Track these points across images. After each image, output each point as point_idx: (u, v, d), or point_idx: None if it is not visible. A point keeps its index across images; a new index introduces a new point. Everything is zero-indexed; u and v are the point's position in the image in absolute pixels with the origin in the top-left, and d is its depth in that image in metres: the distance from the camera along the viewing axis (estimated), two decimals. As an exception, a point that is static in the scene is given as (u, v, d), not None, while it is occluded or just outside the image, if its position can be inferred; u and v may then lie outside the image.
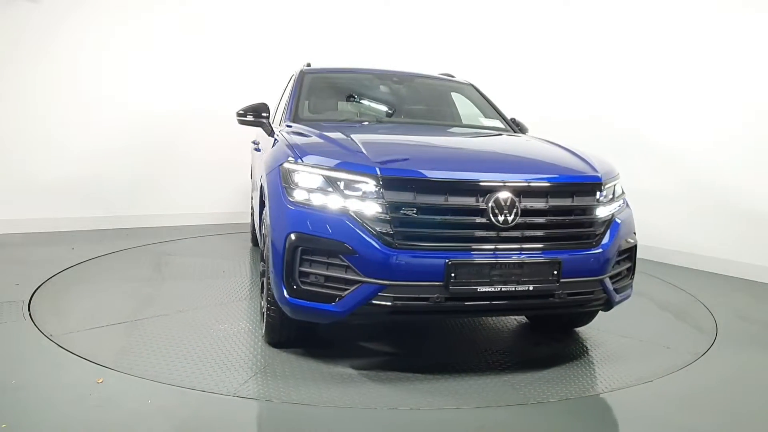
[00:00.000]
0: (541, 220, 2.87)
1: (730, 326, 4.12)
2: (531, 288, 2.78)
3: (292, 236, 2.75)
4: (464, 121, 4.51)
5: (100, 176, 6.56)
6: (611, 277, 3.05)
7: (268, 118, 3.82)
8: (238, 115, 3.87)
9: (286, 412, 2.60)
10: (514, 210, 2.78)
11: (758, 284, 5.39)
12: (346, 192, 2.75)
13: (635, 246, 3.29)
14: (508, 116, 4.47)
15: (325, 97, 4.51)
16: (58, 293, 4.14)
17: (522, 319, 4.00)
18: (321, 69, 4.72)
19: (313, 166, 2.86)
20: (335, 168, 2.81)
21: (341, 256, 2.68)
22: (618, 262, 3.11)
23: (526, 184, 2.85)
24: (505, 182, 2.81)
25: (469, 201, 2.77)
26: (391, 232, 2.68)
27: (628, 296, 3.28)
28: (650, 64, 6.24)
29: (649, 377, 3.11)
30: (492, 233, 2.78)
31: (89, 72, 6.46)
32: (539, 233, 2.86)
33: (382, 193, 2.70)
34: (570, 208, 2.95)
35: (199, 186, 7.09)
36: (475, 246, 2.77)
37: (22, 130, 6.14)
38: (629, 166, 6.38)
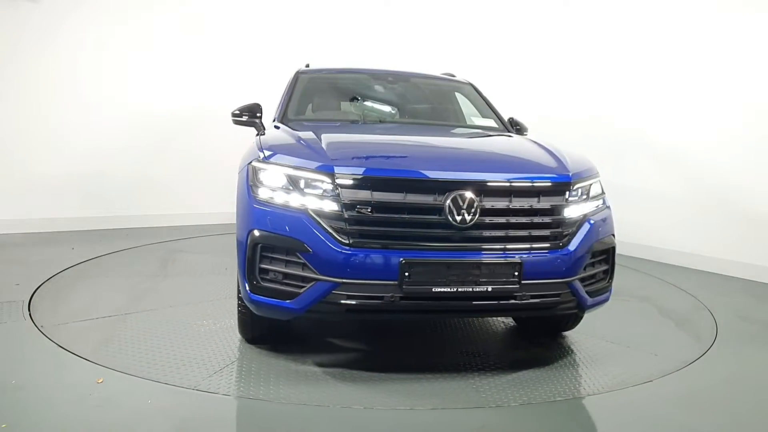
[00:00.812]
0: (502, 219, 2.80)
1: (730, 326, 4.12)
2: (490, 289, 2.72)
3: (254, 233, 2.79)
4: (457, 121, 4.48)
5: (100, 176, 6.57)
6: (583, 280, 2.96)
7: (260, 118, 3.86)
8: (233, 115, 3.92)
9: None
10: (473, 209, 2.72)
11: (758, 284, 5.39)
12: (306, 191, 2.78)
13: (613, 248, 3.16)
14: (508, 115, 4.44)
15: (318, 97, 4.52)
16: (58, 293, 4.14)
17: (509, 321, 3.96)
18: (316, 70, 4.73)
19: (275, 165, 2.89)
20: (295, 167, 2.84)
21: (298, 254, 2.71)
22: (592, 265, 3.03)
23: (486, 182, 2.80)
24: (464, 181, 2.76)
25: (427, 199, 2.73)
26: (346, 230, 2.69)
27: (606, 300, 3.17)
28: (651, 64, 6.23)
29: (625, 384, 3.02)
30: (449, 232, 2.73)
31: (89, 72, 6.46)
32: (500, 233, 2.79)
33: (338, 191, 2.72)
34: (535, 208, 2.87)
35: (199, 186, 7.09)
36: (431, 245, 2.72)
37: (22, 130, 6.14)
38: (629, 166, 6.40)
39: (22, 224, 6.12)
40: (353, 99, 4.53)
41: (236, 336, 3.43)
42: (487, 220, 2.77)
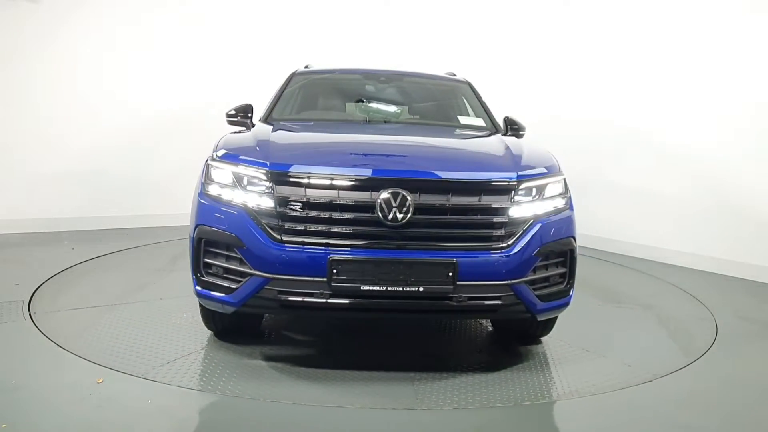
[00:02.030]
0: (437, 218, 2.76)
1: (730, 326, 4.12)
2: (421, 289, 2.68)
3: (199, 228, 2.90)
4: (444, 120, 4.43)
5: (100, 176, 6.56)
6: (533, 283, 2.88)
7: (251, 118, 3.90)
8: (228, 116, 3.97)
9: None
10: (405, 207, 2.69)
11: (758, 284, 5.39)
12: (248, 188, 2.84)
13: (571, 251, 3.05)
14: (506, 114, 4.33)
15: (309, 97, 4.55)
16: (58, 293, 4.14)
17: (486, 323, 3.86)
18: (312, 70, 4.77)
19: (224, 163, 2.97)
20: (237, 163, 2.92)
21: (235, 249, 2.77)
22: (545, 267, 2.95)
23: (422, 181, 2.77)
24: (398, 179, 2.74)
25: (360, 197, 2.73)
26: (279, 227, 2.73)
27: (564, 305, 3.08)
28: (652, 63, 6.23)
29: (579, 393, 2.91)
30: (381, 230, 2.71)
31: (89, 72, 6.45)
32: (434, 232, 2.76)
33: (273, 188, 2.77)
34: (475, 206, 2.81)
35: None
36: (361, 243, 2.71)
37: (22, 129, 6.13)
38: (630, 166, 6.41)
39: (22, 224, 6.11)
40: (350, 99, 4.55)
41: (206, 329, 3.45)
42: (422, 218, 2.73)
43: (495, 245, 2.79)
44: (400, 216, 2.69)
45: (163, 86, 6.89)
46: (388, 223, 2.70)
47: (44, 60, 6.18)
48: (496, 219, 2.83)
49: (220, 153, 3.06)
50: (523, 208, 2.89)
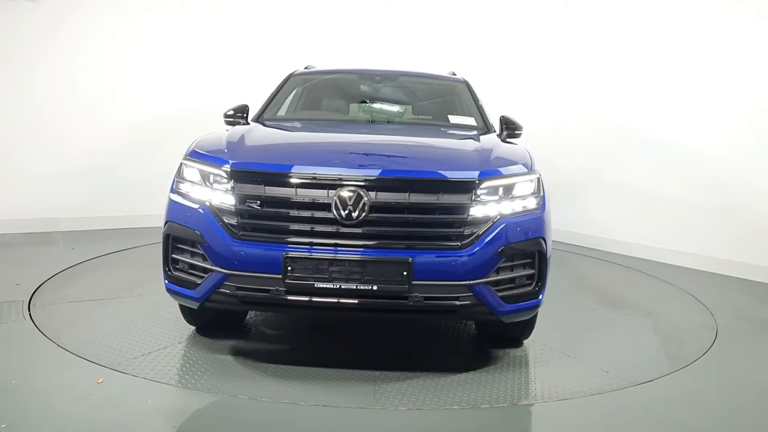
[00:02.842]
0: (393, 217, 2.75)
1: (730, 326, 4.12)
2: (375, 288, 2.68)
3: (168, 225, 2.99)
4: (433, 119, 4.42)
5: (100, 176, 6.56)
6: (496, 284, 2.83)
7: (246, 118, 3.98)
8: (226, 116, 4.03)
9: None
10: (360, 206, 2.69)
11: (758, 284, 5.39)
12: (212, 185, 2.90)
13: (540, 252, 2.96)
14: (502, 114, 4.30)
15: (304, 97, 4.60)
16: (58, 293, 4.14)
17: (470, 325, 3.79)
18: (309, 71, 4.83)
19: (193, 161, 3.03)
20: (203, 162, 2.98)
21: (199, 246, 2.84)
22: (510, 269, 2.89)
23: (379, 179, 2.75)
24: (354, 177, 2.74)
25: (317, 195, 2.75)
26: (238, 224, 2.78)
27: (533, 306, 2.99)
28: (652, 64, 6.23)
29: (549, 398, 2.86)
30: (336, 228, 2.73)
31: (89, 72, 6.45)
32: (390, 230, 2.74)
33: (233, 185, 2.82)
34: (433, 205, 2.78)
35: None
36: (316, 240, 2.73)
37: (22, 130, 6.13)
38: (631, 166, 6.41)
39: (22, 224, 6.11)
40: (341, 99, 4.61)
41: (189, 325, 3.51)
42: (378, 217, 2.73)
43: (453, 245, 2.76)
44: (355, 214, 2.70)
45: (163, 86, 6.89)
46: (344, 221, 2.71)
47: (44, 60, 6.18)
48: (455, 218, 2.79)
49: (191, 151, 3.12)
50: (486, 208, 2.84)
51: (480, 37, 7.65)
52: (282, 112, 4.36)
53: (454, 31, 7.85)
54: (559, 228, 6.91)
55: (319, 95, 4.67)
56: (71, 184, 6.39)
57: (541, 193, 3.08)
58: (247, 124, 3.85)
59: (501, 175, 2.94)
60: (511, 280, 2.90)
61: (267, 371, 3.00)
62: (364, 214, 2.70)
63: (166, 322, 3.61)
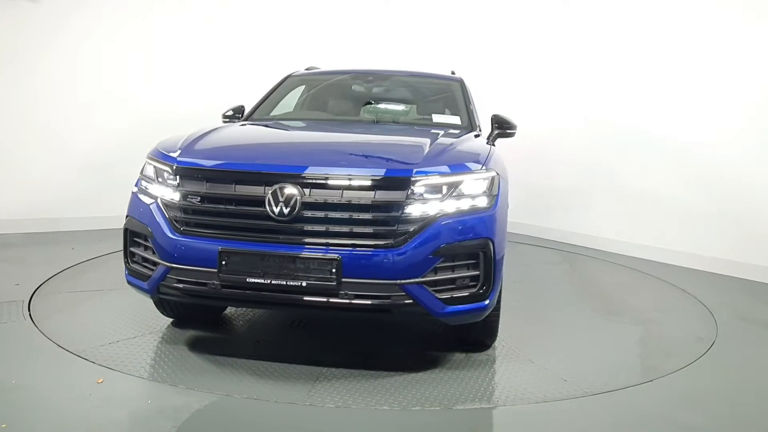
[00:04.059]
0: (324, 213, 2.75)
1: (730, 326, 4.12)
2: (304, 284, 2.69)
3: (127, 220, 3.13)
4: (417, 118, 4.41)
5: (100, 176, 6.55)
6: (433, 284, 2.77)
7: (240, 118, 4.16)
8: (224, 116, 4.20)
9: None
10: (292, 202, 2.72)
11: (758, 284, 5.39)
12: (163, 182, 3.01)
13: (486, 253, 2.86)
14: (494, 113, 4.25)
15: (302, 97, 4.65)
16: (58, 293, 4.14)
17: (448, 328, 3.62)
18: (307, 72, 4.90)
19: (152, 159, 3.15)
20: (158, 159, 3.09)
21: (149, 239, 2.95)
22: (451, 269, 2.82)
23: (311, 176, 2.77)
24: (287, 174, 2.78)
25: (253, 192, 2.80)
26: (180, 219, 2.87)
27: (479, 309, 2.89)
28: (652, 64, 6.23)
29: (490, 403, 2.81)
30: (269, 224, 2.76)
31: (89, 72, 6.45)
32: (321, 228, 2.75)
33: (178, 181, 2.92)
34: (366, 203, 2.75)
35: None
36: (249, 236, 2.78)
37: (22, 130, 6.13)
38: (630, 166, 6.40)
39: (22, 224, 6.11)
40: (332, 99, 4.68)
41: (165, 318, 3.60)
42: (310, 213, 2.75)
43: (385, 243, 2.72)
44: (287, 211, 2.73)
45: (163, 86, 6.89)
46: (275, 217, 2.74)
47: (44, 60, 6.17)
48: (388, 216, 2.76)
49: (152, 150, 3.22)
50: (426, 206, 2.79)
51: (480, 37, 7.64)
52: (276, 112, 4.42)
53: (454, 31, 7.85)
54: (560, 228, 6.98)
55: (314, 96, 4.74)
56: (71, 184, 6.39)
57: (495, 193, 3.00)
58: (243, 123, 3.94)
59: (442, 173, 2.87)
60: (452, 281, 2.83)
61: (217, 363, 3.07)
62: (296, 210, 2.73)
63: (149, 315, 3.65)
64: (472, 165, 2.98)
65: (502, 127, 4.04)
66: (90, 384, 2.75)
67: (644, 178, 6.29)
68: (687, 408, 2.85)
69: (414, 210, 2.77)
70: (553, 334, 3.80)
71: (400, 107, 4.60)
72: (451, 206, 2.84)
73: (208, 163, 2.93)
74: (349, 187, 2.76)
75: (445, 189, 2.85)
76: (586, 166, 6.83)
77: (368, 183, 2.76)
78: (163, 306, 3.46)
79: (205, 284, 2.79)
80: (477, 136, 3.83)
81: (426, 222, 2.76)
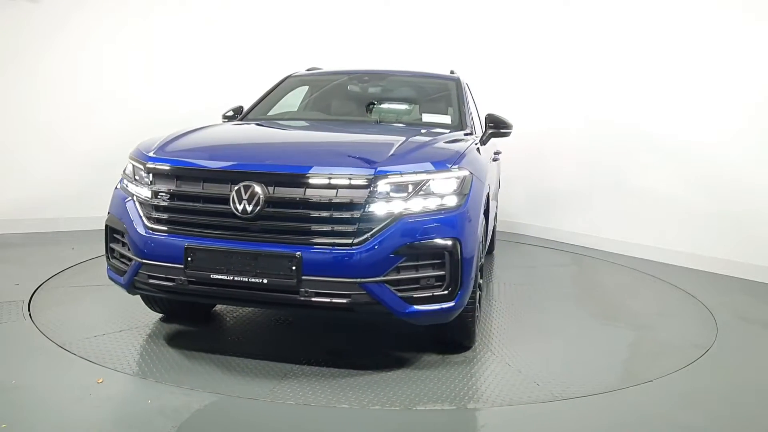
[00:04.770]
0: (287, 211, 2.78)
1: (730, 326, 4.12)
2: (265, 281, 2.72)
3: (108, 217, 3.19)
4: (407, 118, 4.44)
5: (100, 176, 6.53)
6: (395, 283, 2.74)
7: (238, 118, 4.24)
8: (224, 117, 4.29)
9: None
10: (255, 200, 2.75)
11: (758, 284, 5.39)
12: (139, 180, 3.09)
13: (452, 253, 2.81)
14: (493, 112, 4.24)
15: (293, 97, 4.70)
16: (58, 293, 4.14)
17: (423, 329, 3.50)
18: (306, 73, 4.96)
19: (131, 157, 3.23)
20: (136, 158, 3.16)
21: (124, 236, 3.03)
22: (416, 268, 2.79)
23: (274, 175, 2.80)
24: (252, 172, 2.81)
25: (219, 189, 2.85)
26: (151, 216, 2.95)
27: (447, 311, 2.86)
28: (653, 64, 6.23)
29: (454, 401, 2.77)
30: (233, 222, 2.80)
31: (89, 71, 6.45)
32: (283, 225, 2.77)
33: (151, 179, 3.00)
34: (328, 201, 2.76)
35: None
36: (214, 233, 2.83)
37: (22, 130, 6.13)
38: (631, 166, 6.40)
39: (22, 224, 6.11)
40: (326, 99, 4.74)
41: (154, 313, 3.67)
42: (273, 211, 2.77)
43: (346, 241, 2.72)
44: (249, 208, 2.76)
45: (163, 86, 6.89)
46: (239, 214, 2.77)
47: (44, 60, 6.18)
48: (349, 215, 2.75)
49: (133, 148, 3.29)
50: (389, 205, 2.77)
51: (480, 37, 7.64)
52: (274, 112, 4.46)
53: (454, 31, 7.84)
54: (561, 228, 6.98)
55: (313, 96, 4.80)
56: (71, 183, 6.39)
57: (465, 192, 2.96)
58: (235, 123, 4.03)
59: (406, 172, 2.84)
60: (416, 280, 2.80)
61: (190, 358, 3.11)
62: (258, 208, 2.75)
63: (135, 308, 3.69)
64: (440, 164, 2.95)
65: (497, 127, 4.05)
66: (90, 384, 2.75)
67: (643, 177, 6.29)
68: (687, 408, 2.85)
69: (377, 209, 2.77)
70: (539, 338, 3.69)
71: (396, 106, 4.62)
72: (417, 205, 2.82)
73: (178, 161, 3.00)
74: (311, 185, 2.78)
75: (410, 188, 2.83)
76: (584, 165, 6.83)
77: (329, 181, 2.77)
78: (150, 301, 3.52)
79: (173, 280, 2.84)
80: (469, 134, 3.84)
81: (389, 221, 2.75)
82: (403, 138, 3.25)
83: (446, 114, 4.33)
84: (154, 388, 2.76)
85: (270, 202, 2.77)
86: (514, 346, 3.52)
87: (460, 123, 4.14)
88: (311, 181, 2.78)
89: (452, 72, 5.05)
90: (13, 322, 3.53)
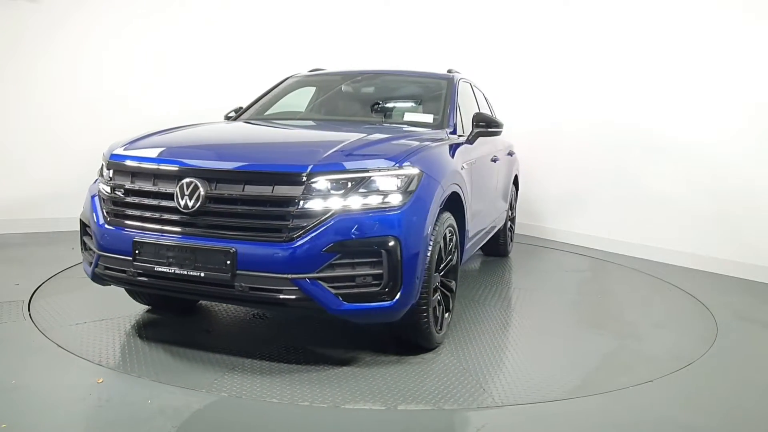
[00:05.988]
0: (224, 207, 2.84)
1: (730, 326, 4.12)
2: (202, 275, 2.80)
3: (82, 212, 3.36)
4: (390, 116, 4.41)
5: (100, 176, 6.56)
6: (330, 280, 2.74)
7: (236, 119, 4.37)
8: (226, 117, 4.43)
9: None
10: (195, 196, 2.84)
11: (758, 284, 5.39)
12: (104, 176, 3.23)
13: (390, 251, 2.78)
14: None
15: (290, 97, 4.77)
16: (59, 293, 4.14)
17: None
18: (305, 74, 5.06)
19: (102, 155, 3.34)
20: (105, 156, 3.29)
21: (89, 229, 3.19)
22: (352, 266, 2.77)
23: (215, 171, 2.89)
24: (194, 169, 2.92)
25: (165, 186, 2.96)
26: (109, 210, 3.10)
27: (383, 310, 2.82)
28: (653, 64, 6.23)
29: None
30: (176, 217, 2.90)
31: (89, 71, 6.45)
32: (221, 220, 2.84)
33: (111, 175, 3.16)
34: (264, 198, 2.79)
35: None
36: (159, 227, 2.94)
37: (22, 130, 6.14)
38: (631, 166, 6.40)
39: (22, 224, 6.11)
40: (321, 98, 4.83)
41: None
42: (213, 207, 2.85)
43: (279, 237, 2.76)
44: (191, 203, 2.85)
45: (164, 87, 6.89)
46: (181, 209, 2.87)
47: (44, 60, 6.18)
48: (283, 211, 2.78)
49: (107, 148, 3.39)
50: (326, 202, 2.78)
51: (480, 37, 7.65)
52: (270, 112, 4.55)
53: (454, 31, 7.85)
54: (562, 229, 6.97)
55: (310, 96, 4.92)
56: (71, 183, 6.39)
57: (412, 190, 2.94)
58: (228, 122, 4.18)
59: (343, 169, 2.84)
60: (351, 278, 2.78)
61: (154, 348, 3.21)
62: (199, 203, 2.83)
63: (123, 300, 3.78)
64: (384, 162, 2.93)
65: (488, 126, 4.10)
66: (90, 384, 2.75)
67: (643, 178, 6.29)
68: (687, 408, 2.85)
69: (312, 205, 2.78)
70: (512, 344, 3.60)
71: (383, 106, 4.60)
72: (355, 202, 2.82)
73: (133, 158, 3.12)
74: (249, 182, 2.84)
75: (350, 185, 2.83)
76: (584, 165, 6.83)
77: (265, 178, 2.84)
78: (134, 295, 3.71)
79: (124, 271, 2.98)
80: (453, 133, 3.90)
81: (323, 218, 2.76)
82: (359, 136, 3.29)
83: (430, 113, 4.27)
84: (154, 388, 2.75)
85: (211, 198, 2.85)
86: (480, 349, 3.42)
87: (442, 122, 4.10)
88: (247, 177, 2.85)
89: (450, 71, 5.05)
90: (13, 322, 3.54)
